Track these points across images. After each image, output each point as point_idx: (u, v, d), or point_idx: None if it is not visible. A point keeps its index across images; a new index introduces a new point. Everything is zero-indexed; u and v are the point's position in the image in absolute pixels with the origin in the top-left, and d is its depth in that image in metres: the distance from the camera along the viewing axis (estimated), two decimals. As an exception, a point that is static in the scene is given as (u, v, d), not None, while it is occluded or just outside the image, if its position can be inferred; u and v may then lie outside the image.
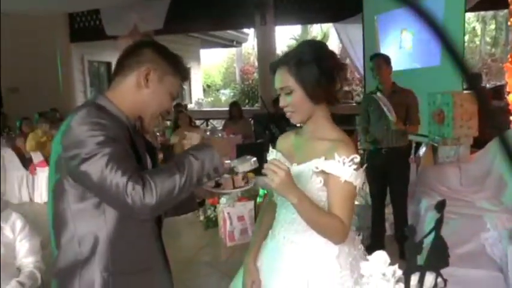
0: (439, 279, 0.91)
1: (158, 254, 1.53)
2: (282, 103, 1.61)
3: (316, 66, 1.52)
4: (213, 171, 1.39)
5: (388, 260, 0.97)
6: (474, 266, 2.56)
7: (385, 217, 4.37)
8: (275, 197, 1.71)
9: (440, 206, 0.91)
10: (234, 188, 1.55)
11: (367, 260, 1.64)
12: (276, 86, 1.61)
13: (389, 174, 4.12)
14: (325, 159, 1.52)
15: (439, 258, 0.89)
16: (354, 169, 1.49)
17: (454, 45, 0.50)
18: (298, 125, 1.69)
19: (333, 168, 1.49)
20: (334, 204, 1.50)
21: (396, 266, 0.94)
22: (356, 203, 4.79)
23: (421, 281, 0.89)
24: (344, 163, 1.48)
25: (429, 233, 0.91)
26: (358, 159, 1.50)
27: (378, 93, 3.98)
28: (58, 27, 10.24)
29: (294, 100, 1.56)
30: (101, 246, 1.36)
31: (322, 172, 1.52)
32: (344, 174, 1.48)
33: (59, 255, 1.40)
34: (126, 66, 1.46)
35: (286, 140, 1.78)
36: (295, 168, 1.58)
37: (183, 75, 1.52)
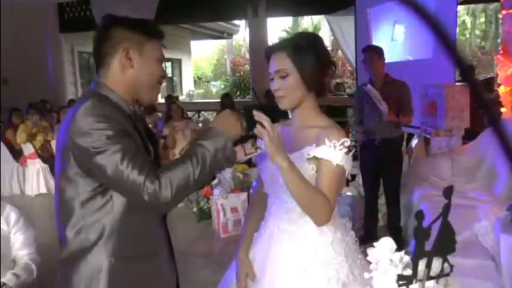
0: (446, 265, 0.93)
1: (163, 240, 1.56)
2: (275, 86, 1.60)
3: (313, 54, 1.57)
4: (225, 162, 1.40)
5: (395, 246, 0.98)
6: (467, 256, 2.60)
7: (378, 208, 4.40)
8: (266, 188, 1.72)
9: (448, 192, 0.92)
10: (246, 155, 1.54)
11: (358, 246, 1.69)
12: (271, 70, 1.61)
13: (382, 165, 4.15)
14: (317, 145, 1.54)
15: (446, 244, 0.90)
16: (345, 152, 1.52)
17: (447, 37, 0.51)
18: (289, 116, 1.71)
19: (324, 153, 1.51)
20: (323, 185, 1.51)
21: (403, 252, 0.95)
22: (349, 193, 4.88)
23: (428, 266, 0.90)
24: (335, 147, 1.51)
25: (437, 218, 0.92)
26: (348, 142, 1.54)
27: (368, 85, 3.99)
28: (47, 18, 10.13)
29: (288, 83, 1.57)
30: (108, 232, 1.38)
31: (314, 158, 1.54)
32: (335, 158, 1.51)
33: (66, 243, 1.42)
34: (104, 55, 1.45)
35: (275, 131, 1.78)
36: None
37: (157, 35, 1.50)
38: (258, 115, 1.43)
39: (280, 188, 1.59)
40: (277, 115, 1.81)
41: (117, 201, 1.38)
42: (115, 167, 1.28)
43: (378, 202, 4.40)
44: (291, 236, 1.62)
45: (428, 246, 0.90)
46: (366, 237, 4.03)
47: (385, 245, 0.96)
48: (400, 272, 0.90)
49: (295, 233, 1.62)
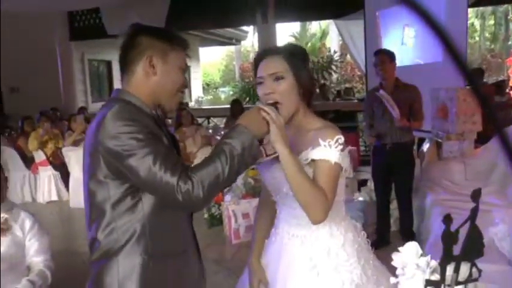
0: (474, 270, 0.91)
1: (191, 238, 1.61)
2: (267, 89, 1.57)
3: (306, 63, 1.64)
4: (251, 160, 1.44)
5: (420, 251, 0.97)
6: (484, 261, 2.54)
7: (390, 213, 4.37)
8: (273, 196, 1.72)
9: (476, 195, 0.91)
10: (266, 156, 1.54)
11: (370, 247, 1.68)
12: (261, 73, 1.59)
13: (394, 170, 4.13)
14: (312, 148, 1.54)
15: (474, 248, 0.89)
16: (341, 150, 1.52)
17: (453, 43, 0.50)
18: None
19: (321, 154, 1.51)
20: (320, 183, 1.50)
21: (429, 256, 0.94)
22: (360, 199, 4.85)
23: (456, 271, 0.89)
24: (330, 146, 1.51)
25: (464, 222, 0.91)
26: (342, 139, 1.53)
27: (381, 91, 3.97)
28: (58, 26, 10.20)
29: (282, 86, 1.56)
30: (139, 232, 1.42)
31: (312, 161, 1.54)
32: (332, 157, 1.51)
33: (98, 244, 1.45)
34: (130, 62, 1.49)
35: None
36: None
37: (182, 45, 1.54)
38: (261, 106, 1.48)
39: (286, 196, 1.60)
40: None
41: (147, 201, 1.42)
42: (148, 169, 1.32)
43: (390, 207, 4.37)
44: (302, 242, 1.62)
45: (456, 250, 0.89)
46: (379, 243, 4.00)
47: (411, 249, 0.95)
48: (427, 277, 0.89)
49: (306, 238, 1.62)
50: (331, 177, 1.52)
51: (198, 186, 1.31)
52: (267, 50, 1.68)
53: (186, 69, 1.58)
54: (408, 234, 4.13)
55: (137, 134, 1.34)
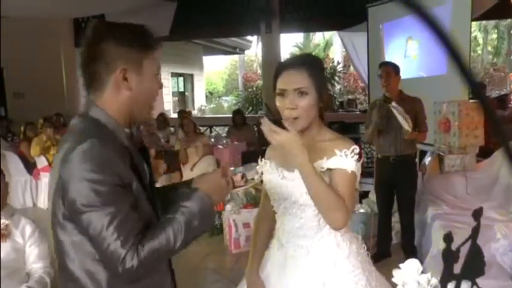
0: (475, 288, 0.91)
1: (167, 269, 1.48)
2: (291, 104, 1.56)
3: (324, 76, 1.67)
4: (206, 227, 1.35)
5: (421, 268, 0.96)
6: (485, 276, 2.54)
7: (391, 225, 4.36)
8: (276, 206, 1.72)
9: (477, 214, 0.91)
10: (234, 187, 1.52)
11: (370, 259, 1.69)
12: (286, 86, 1.58)
13: (397, 183, 4.12)
14: (327, 158, 1.56)
15: (475, 266, 0.89)
16: (356, 160, 1.55)
17: (460, 55, 0.50)
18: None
19: (338, 163, 1.54)
20: (338, 191, 1.51)
21: (429, 274, 0.94)
22: (362, 211, 4.84)
23: (457, 289, 0.89)
24: (346, 155, 1.54)
25: (466, 241, 0.91)
26: (357, 149, 1.57)
27: (394, 103, 3.94)
28: (63, 32, 10.25)
29: (306, 102, 1.57)
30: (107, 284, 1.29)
31: (328, 171, 1.56)
32: (349, 166, 1.54)
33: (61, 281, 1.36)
34: (95, 73, 1.30)
35: (276, 149, 1.74)
36: (297, 173, 1.58)
37: (154, 46, 1.34)
38: (264, 122, 1.46)
39: (293, 205, 1.60)
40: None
41: None
42: (99, 230, 1.19)
43: (392, 220, 4.35)
44: (308, 251, 1.62)
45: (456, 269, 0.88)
46: (380, 255, 3.99)
47: (411, 266, 0.95)
48: (428, 295, 0.89)
49: (312, 248, 1.62)
50: (348, 186, 1.54)
51: (142, 265, 1.20)
52: (289, 63, 1.65)
53: (160, 70, 1.39)
54: (409, 247, 4.11)
55: (100, 185, 1.19)
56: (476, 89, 0.51)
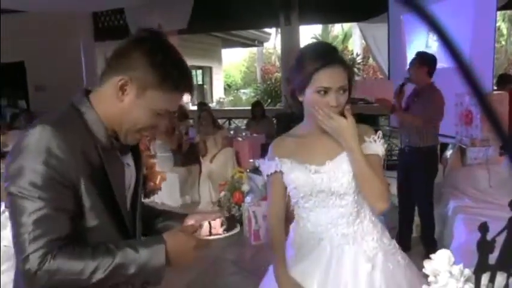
0: (511, 280, 0.90)
1: None
2: (334, 102, 1.53)
3: None
4: (143, 280, 1.22)
5: (453, 259, 0.95)
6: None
7: (413, 218, 4.32)
8: (302, 202, 1.69)
9: (515, 204, 0.90)
10: (210, 234, 1.42)
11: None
12: (330, 84, 1.53)
13: (411, 174, 4.09)
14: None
15: (511, 258, 0.87)
16: (382, 144, 1.64)
17: (459, 52, 0.50)
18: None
19: (369, 149, 1.60)
20: None
21: (461, 264, 0.93)
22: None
23: (492, 280, 0.87)
24: (375, 141, 1.62)
25: (502, 231, 0.89)
26: (381, 133, 1.66)
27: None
28: (82, 26, 10.36)
29: (344, 99, 1.58)
30: None
31: None
32: (379, 150, 1.62)
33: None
34: (110, 68, 1.25)
35: (285, 145, 1.72)
36: (330, 165, 1.61)
37: (175, 90, 1.26)
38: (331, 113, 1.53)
39: (330, 196, 1.62)
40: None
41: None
42: (20, 215, 1.11)
43: (413, 213, 4.32)
44: (354, 238, 1.63)
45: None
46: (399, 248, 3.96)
47: (443, 257, 0.94)
48: (461, 286, 0.88)
49: (356, 233, 1.64)
50: (381, 169, 1.63)
51: (42, 277, 1.09)
52: (332, 58, 1.57)
53: (164, 113, 1.28)
54: (429, 240, 4.08)
55: (39, 175, 1.12)
56: (477, 87, 0.50)
